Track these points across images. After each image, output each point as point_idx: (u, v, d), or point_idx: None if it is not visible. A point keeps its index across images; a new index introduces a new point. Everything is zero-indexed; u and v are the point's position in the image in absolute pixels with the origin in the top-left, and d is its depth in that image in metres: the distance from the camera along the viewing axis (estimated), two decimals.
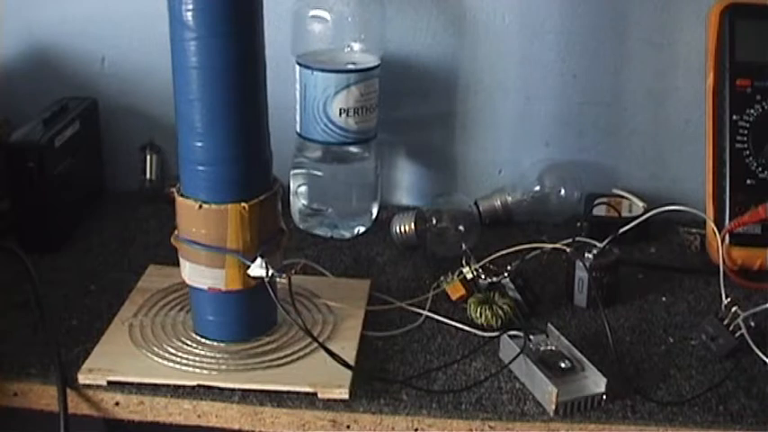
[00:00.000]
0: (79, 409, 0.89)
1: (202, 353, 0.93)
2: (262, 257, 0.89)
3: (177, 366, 0.91)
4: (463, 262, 1.06)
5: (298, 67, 1.18)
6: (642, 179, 1.31)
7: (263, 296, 0.90)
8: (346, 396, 0.88)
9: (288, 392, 0.89)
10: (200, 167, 0.88)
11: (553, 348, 0.95)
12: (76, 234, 1.19)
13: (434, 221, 1.17)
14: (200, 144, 0.88)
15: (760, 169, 1.15)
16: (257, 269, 0.89)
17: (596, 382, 0.89)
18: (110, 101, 1.30)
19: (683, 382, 0.93)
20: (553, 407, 0.87)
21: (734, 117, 1.16)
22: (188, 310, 0.99)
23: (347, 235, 1.22)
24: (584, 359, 0.92)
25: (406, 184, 1.34)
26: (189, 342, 0.95)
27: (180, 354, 0.93)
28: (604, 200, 1.25)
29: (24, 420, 0.93)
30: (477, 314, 1.01)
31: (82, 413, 0.89)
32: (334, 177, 1.21)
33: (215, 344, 0.95)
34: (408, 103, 1.29)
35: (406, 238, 1.18)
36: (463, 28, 1.25)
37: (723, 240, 1.12)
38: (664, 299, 1.09)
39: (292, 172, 1.22)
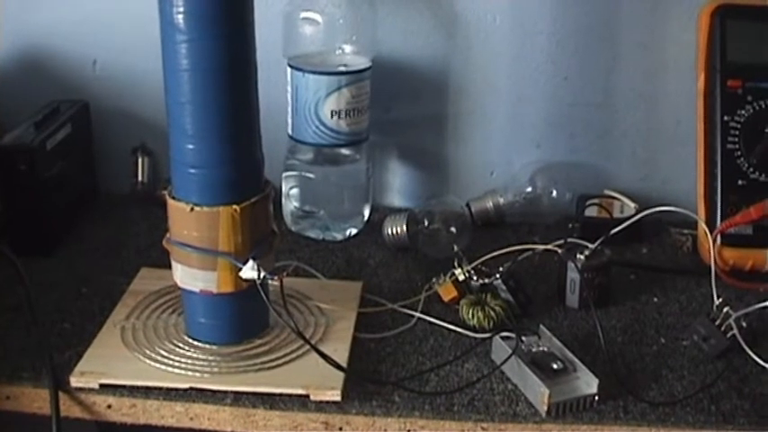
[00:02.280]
0: (71, 413, 0.89)
1: (194, 355, 0.93)
2: (253, 260, 0.89)
3: (169, 369, 0.91)
4: (455, 263, 1.06)
5: (289, 70, 1.18)
6: (633, 180, 1.31)
7: (255, 298, 0.90)
8: (338, 398, 0.88)
9: (280, 395, 0.89)
10: (192, 170, 0.88)
11: (545, 349, 0.95)
12: (68, 237, 1.19)
13: (426, 223, 1.17)
14: (191, 146, 0.88)
15: (751, 170, 1.15)
16: (249, 271, 0.89)
17: (588, 383, 0.89)
18: (101, 103, 1.30)
19: (674, 383, 0.93)
20: (545, 408, 0.87)
21: (725, 118, 1.16)
22: (180, 313, 0.99)
23: (339, 237, 1.22)
24: (576, 360, 0.92)
25: (398, 185, 1.34)
26: (181, 345, 0.95)
27: (172, 356, 0.93)
28: (596, 201, 1.25)
29: (16, 424, 0.92)
30: (470, 315, 1.01)
31: (74, 416, 0.89)
32: (326, 179, 1.21)
33: (207, 346, 0.94)
34: (400, 105, 1.29)
35: (398, 240, 1.18)
36: (454, 29, 1.25)
37: (714, 241, 1.12)
38: (655, 299, 1.09)
39: (284, 174, 1.22)
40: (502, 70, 1.27)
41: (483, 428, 0.87)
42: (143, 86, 1.28)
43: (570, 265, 1.05)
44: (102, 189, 1.33)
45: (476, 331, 1.00)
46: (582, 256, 1.05)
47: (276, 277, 0.90)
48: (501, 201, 1.25)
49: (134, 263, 1.11)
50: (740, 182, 1.15)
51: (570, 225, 1.21)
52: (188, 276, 0.92)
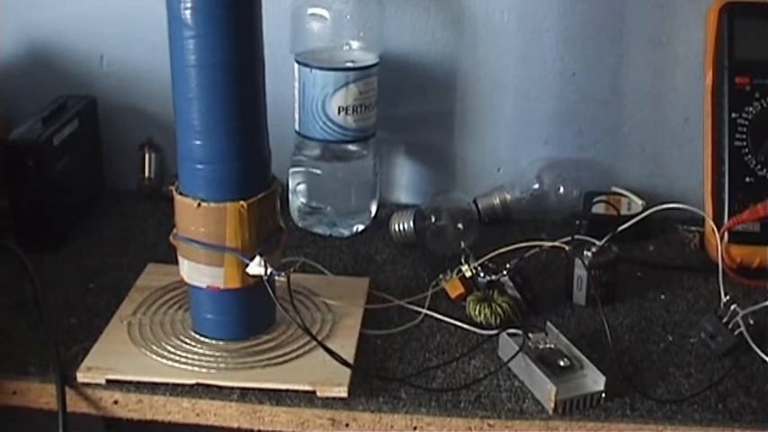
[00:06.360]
0: (78, 408, 0.89)
1: (201, 351, 0.93)
2: (260, 256, 0.89)
3: (176, 365, 0.91)
4: (462, 260, 1.06)
5: (296, 66, 1.17)
6: (641, 177, 1.31)
7: (262, 294, 0.90)
8: (345, 394, 0.88)
9: (287, 391, 0.89)
10: (199, 166, 0.88)
11: (552, 346, 0.95)
12: (75, 232, 1.19)
13: (433, 219, 1.16)
14: (198, 142, 0.88)
15: (759, 167, 1.15)
16: (256, 267, 0.89)
17: (595, 381, 0.89)
18: (108, 99, 1.30)
19: (682, 380, 0.93)
20: (552, 405, 0.87)
21: (733, 115, 1.16)
22: (187, 309, 0.99)
23: (346, 233, 1.22)
24: (583, 357, 0.92)
25: (405, 182, 1.34)
26: (188, 340, 0.95)
27: (179, 352, 0.93)
28: (603, 198, 1.25)
29: (23, 419, 0.93)
30: (476, 312, 1.01)
31: (81, 412, 0.89)
32: (333, 175, 1.21)
33: (214, 342, 0.95)
34: (407, 101, 1.29)
35: (405, 237, 1.18)
36: (462, 26, 1.25)
37: (722, 238, 1.12)
38: (663, 297, 1.09)
39: (291, 170, 1.22)
40: (509, 67, 1.27)
41: (489, 425, 0.87)
42: (150, 82, 1.28)
43: (577, 261, 1.05)
44: (108, 185, 1.34)
45: (482, 328, 1.00)
46: (589, 253, 1.05)
47: (283, 273, 0.90)
48: (508, 197, 1.25)
49: (141, 258, 1.12)
50: (748, 179, 1.15)
51: (577, 222, 1.21)
52: (195, 272, 0.92)
